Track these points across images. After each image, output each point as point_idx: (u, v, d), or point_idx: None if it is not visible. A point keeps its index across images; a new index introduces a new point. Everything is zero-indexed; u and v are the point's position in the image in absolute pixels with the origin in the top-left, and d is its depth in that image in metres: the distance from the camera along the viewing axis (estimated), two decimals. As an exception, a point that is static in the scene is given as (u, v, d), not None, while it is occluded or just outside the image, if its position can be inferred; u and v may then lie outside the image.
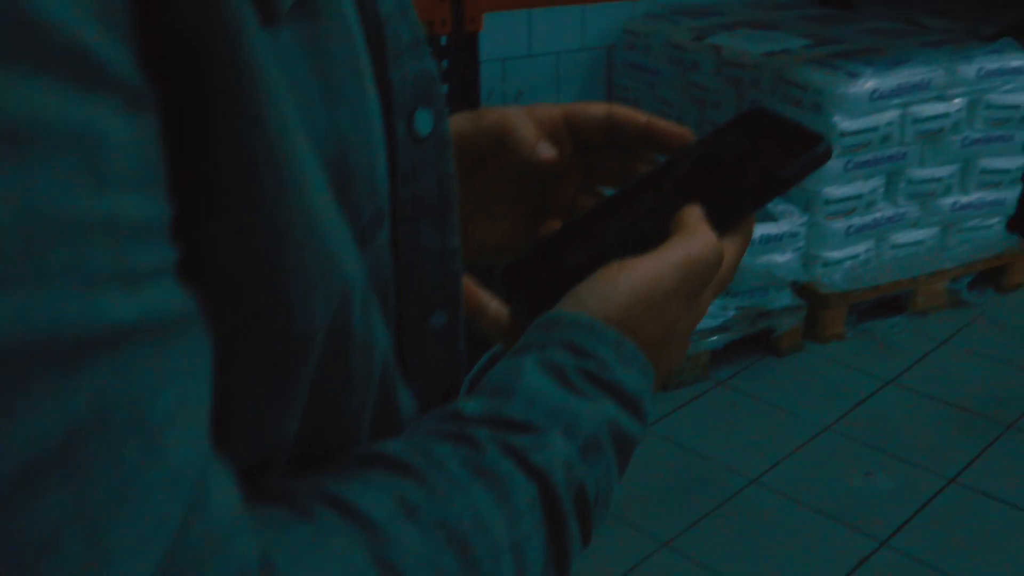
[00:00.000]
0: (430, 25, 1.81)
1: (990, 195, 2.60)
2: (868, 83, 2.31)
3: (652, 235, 0.44)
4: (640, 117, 0.51)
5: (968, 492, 1.95)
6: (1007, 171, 2.59)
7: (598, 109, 0.51)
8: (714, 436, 2.12)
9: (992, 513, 1.89)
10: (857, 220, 2.44)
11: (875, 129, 2.35)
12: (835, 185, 2.38)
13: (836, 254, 2.45)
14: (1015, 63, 2.47)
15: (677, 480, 1.98)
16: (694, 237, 0.42)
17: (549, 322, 0.40)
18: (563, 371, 0.38)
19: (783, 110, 2.40)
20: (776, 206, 2.30)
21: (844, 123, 2.32)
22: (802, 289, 2.43)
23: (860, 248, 2.48)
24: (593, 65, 3.10)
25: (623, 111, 0.51)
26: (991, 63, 2.45)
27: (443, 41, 1.83)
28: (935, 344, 2.47)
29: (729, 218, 0.45)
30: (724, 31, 2.72)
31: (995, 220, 2.65)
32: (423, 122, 0.38)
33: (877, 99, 2.33)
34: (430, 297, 0.41)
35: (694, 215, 0.44)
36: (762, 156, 0.48)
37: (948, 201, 2.56)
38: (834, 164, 2.35)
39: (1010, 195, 2.63)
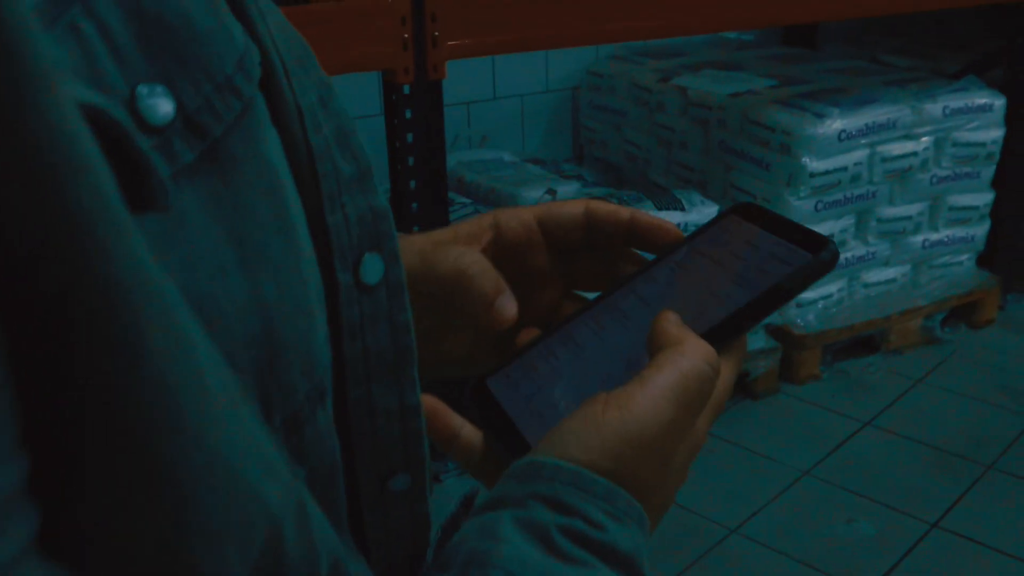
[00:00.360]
0: (393, 74, 1.77)
1: (960, 232, 2.59)
2: (836, 123, 2.30)
3: (639, 349, 0.40)
4: (622, 213, 0.46)
5: (951, 537, 1.91)
6: (975, 207, 2.59)
7: (574, 208, 0.46)
8: (693, 485, 2.06)
9: (976, 558, 1.85)
10: (829, 260, 2.42)
11: (844, 169, 2.34)
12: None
13: (809, 294, 2.43)
14: (980, 101, 2.48)
15: (657, 532, 1.92)
16: (683, 353, 0.37)
17: (528, 470, 0.35)
18: (547, 533, 0.32)
19: (751, 150, 2.39)
20: (747, 248, 2.27)
21: (813, 163, 2.30)
22: (776, 331, 2.40)
23: (833, 288, 2.46)
24: (558, 107, 3.09)
25: (603, 208, 0.46)
26: (956, 101, 2.45)
27: (406, 90, 1.80)
28: (911, 383, 2.44)
29: (724, 333, 0.40)
30: (689, 72, 2.71)
31: (965, 256, 2.64)
32: (372, 268, 0.33)
33: (845, 139, 2.32)
34: (389, 460, 0.35)
35: (675, 325, 0.38)
36: (758, 259, 0.43)
37: (918, 239, 2.55)
38: (804, 204, 2.33)
39: (979, 231, 2.62)
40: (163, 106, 0.24)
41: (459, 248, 0.46)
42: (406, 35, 1.75)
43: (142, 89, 0.23)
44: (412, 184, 1.87)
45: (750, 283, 0.42)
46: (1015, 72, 2.55)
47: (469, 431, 0.42)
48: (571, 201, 0.47)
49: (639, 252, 0.47)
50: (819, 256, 0.41)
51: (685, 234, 0.46)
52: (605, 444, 0.35)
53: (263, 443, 0.25)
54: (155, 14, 0.24)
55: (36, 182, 0.19)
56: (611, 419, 0.35)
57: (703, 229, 0.46)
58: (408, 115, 1.82)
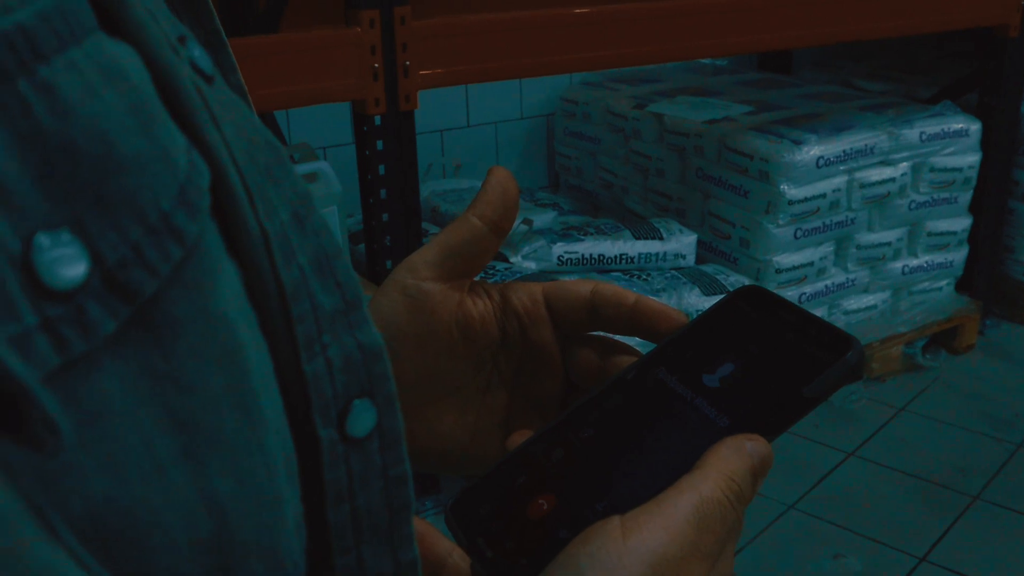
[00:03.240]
0: (364, 105, 1.73)
1: (939, 257, 2.57)
2: (813, 150, 2.28)
3: (641, 462, 0.35)
4: (627, 297, 0.42)
5: (940, 572, 1.87)
6: (954, 233, 2.57)
7: (583, 287, 0.43)
8: (675, 521, 2.02)
9: (966, 593, 1.81)
10: (809, 288, 2.39)
11: (823, 196, 2.32)
12: (785, 253, 2.33)
13: (789, 323, 2.39)
14: (956, 126, 2.47)
15: (639, 572, 1.88)
16: (707, 475, 0.34)
17: None
18: None
19: (729, 178, 2.36)
20: (727, 277, 2.24)
21: (791, 191, 2.27)
22: (757, 360, 2.36)
23: (813, 316, 2.43)
24: (533, 134, 3.06)
25: (609, 289, 0.43)
26: (932, 127, 2.44)
27: (377, 121, 1.75)
28: (894, 411, 2.41)
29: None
30: (664, 98, 2.68)
31: (944, 282, 2.62)
32: (361, 418, 0.26)
33: (823, 166, 2.29)
34: None
35: (712, 453, 0.35)
36: (773, 358, 0.38)
37: (898, 265, 2.52)
38: (783, 232, 2.30)
39: (958, 256, 2.61)
40: (71, 263, 0.18)
41: (528, 283, 0.43)
42: (376, 65, 1.71)
43: (42, 240, 0.18)
44: (385, 217, 1.82)
45: (766, 387, 0.37)
46: (989, 97, 2.54)
47: (457, 559, 0.37)
48: (580, 281, 0.44)
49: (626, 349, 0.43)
50: (845, 359, 0.36)
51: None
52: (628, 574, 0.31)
53: None
54: (58, 137, 0.18)
55: None
56: (632, 547, 0.31)
57: (706, 316, 0.41)
58: (380, 147, 1.77)
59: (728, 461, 0.34)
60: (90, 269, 0.18)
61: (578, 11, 1.92)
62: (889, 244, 2.48)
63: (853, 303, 2.50)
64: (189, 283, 0.21)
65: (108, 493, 0.19)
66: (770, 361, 0.38)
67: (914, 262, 2.54)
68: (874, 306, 2.53)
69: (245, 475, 0.22)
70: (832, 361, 0.36)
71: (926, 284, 2.59)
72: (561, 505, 0.36)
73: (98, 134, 0.19)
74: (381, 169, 1.79)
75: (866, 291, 2.52)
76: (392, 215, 1.83)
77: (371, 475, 0.27)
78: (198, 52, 0.24)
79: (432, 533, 0.37)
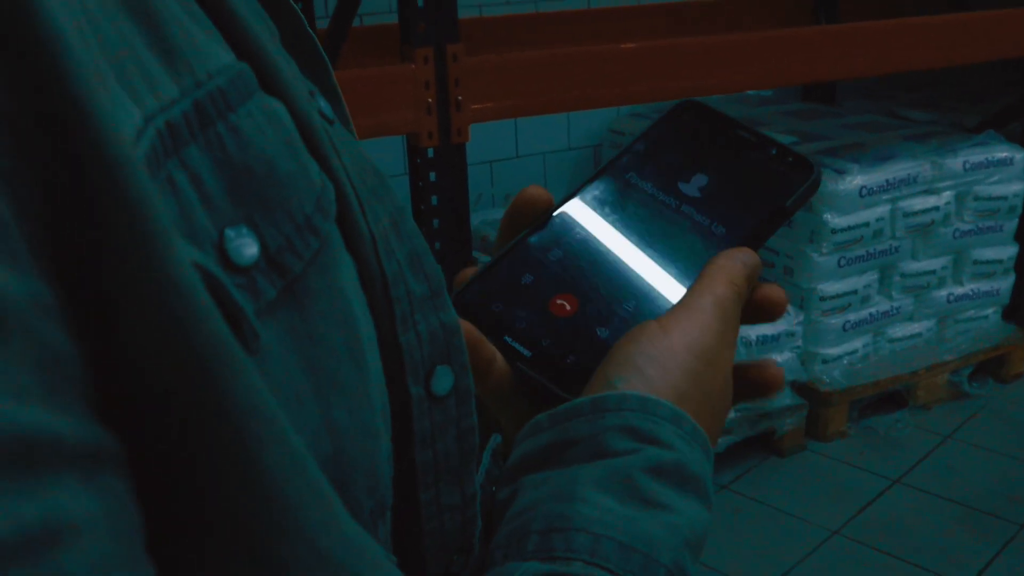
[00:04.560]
0: (417, 138, 1.80)
1: (984, 286, 2.58)
2: (856, 179, 2.31)
3: (648, 264, 0.40)
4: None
5: (986, 598, 1.88)
6: (999, 261, 2.58)
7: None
8: (719, 545, 2.05)
9: (1012, 620, 1.82)
10: (852, 316, 2.42)
11: (866, 225, 2.35)
12: (829, 282, 2.36)
13: (834, 351, 2.42)
14: (1000, 155, 2.49)
15: (684, 594, 1.91)
16: (715, 279, 0.40)
17: (594, 406, 0.36)
18: (626, 477, 0.34)
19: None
20: (771, 305, 2.27)
21: (835, 220, 2.31)
22: (802, 388, 2.39)
23: (858, 344, 2.45)
24: (580, 164, 3.12)
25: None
26: (976, 156, 2.46)
27: (430, 153, 1.82)
28: (940, 439, 2.42)
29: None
30: (709, 129, 2.72)
31: (991, 310, 2.63)
32: (442, 380, 0.34)
33: (866, 195, 2.33)
34: (449, 547, 0.37)
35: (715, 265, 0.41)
36: (743, 172, 0.43)
37: (943, 293, 2.54)
38: (827, 260, 2.33)
39: (1004, 284, 2.61)
40: (248, 247, 0.25)
41: None
42: (430, 100, 1.78)
43: (229, 232, 0.25)
44: (437, 245, 1.89)
45: (746, 203, 0.42)
46: (1035, 126, 2.56)
47: (501, 362, 0.42)
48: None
49: None
50: (814, 176, 0.42)
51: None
52: (667, 376, 0.37)
53: (366, 541, 0.27)
54: (241, 162, 0.25)
55: (166, 331, 0.21)
56: (675, 342, 0.37)
57: (652, 136, 0.45)
58: (432, 178, 1.84)
59: (728, 268, 0.40)
60: (260, 253, 0.25)
61: (625, 46, 1.98)
62: (934, 272, 2.50)
63: (898, 331, 2.52)
64: (321, 266, 0.28)
65: None
66: (741, 174, 0.43)
67: (959, 290, 2.56)
68: (919, 334, 2.55)
69: (355, 411, 0.29)
70: (803, 178, 0.42)
71: (972, 312, 2.60)
72: (586, 305, 0.40)
73: (265, 160, 0.26)
74: (433, 200, 1.86)
75: (911, 319, 2.53)
76: (443, 244, 1.89)
77: (448, 425, 0.34)
78: (323, 103, 0.33)
79: (480, 338, 0.41)
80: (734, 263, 0.41)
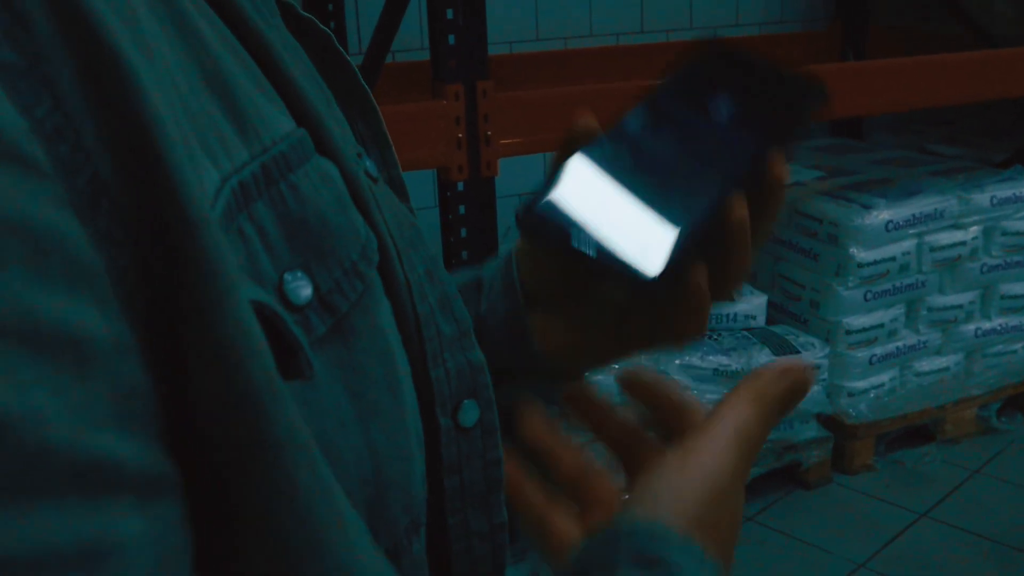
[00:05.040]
0: (447, 172, 1.85)
1: (1013, 320, 2.58)
2: (882, 214, 2.33)
3: (699, 179, 0.44)
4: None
5: (1013, 634, 1.87)
6: (1028, 296, 2.58)
7: None
8: (745, 577, 2.06)
9: (1040, 657, 1.81)
10: (879, 349, 2.42)
11: (892, 259, 2.36)
12: (855, 315, 2.37)
13: (860, 384, 2.42)
14: (1028, 190, 2.49)
15: (709, 625, 1.91)
16: (741, 399, 0.41)
17: (608, 536, 0.38)
18: None
19: (799, 241, 2.41)
20: (797, 338, 2.29)
21: (861, 254, 2.32)
22: (828, 420, 2.39)
23: (884, 377, 2.46)
24: (608, 198, 3.14)
25: None
26: (1003, 191, 2.47)
27: (460, 187, 1.87)
28: (968, 474, 2.41)
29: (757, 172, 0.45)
30: (736, 164, 2.75)
31: (1019, 345, 2.62)
32: (469, 413, 0.38)
33: (892, 229, 2.34)
34: (479, 572, 0.40)
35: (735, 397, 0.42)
36: (767, 99, 0.48)
37: (970, 328, 2.54)
38: (853, 294, 2.35)
39: (1033, 319, 2.61)
40: (304, 289, 0.29)
41: None
42: (460, 135, 1.83)
43: (288, 276, 0.28)
44: (465, 277, 1.93)
45: (772, 123, 0.46)
46: (1063, 161, 2.56)
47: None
48: None
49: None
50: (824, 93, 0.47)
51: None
52: (686, 509, 0.38)
53: (384, 566, 0.30)
54: (298, 216, 0.29)
55: (222, 366, 0.24)
56: (690, 475, 0.39)
57: (680, 69, 0.49)
58: (462, 211, 1.89)
59: (758, 387, 0.41)
60: (313, 294, 0.29)
61: (652, 83, 2.01)
62: (961, 307, 2.51)
63: (925, 365, 2.52)
64: (364, 307, 0.32)
65: (316, 432, 0.29)
66: (763, 95, 0.48)
67: (987, 325, 2.56)
68: (947, 368, 2.55)
69: (392, 435, 0.32)
70: (815, 92, 0.48)
71: (1000, 347, 2.59)
72: (642, 203, 0.43)
73: (319, 215, 0.30)
74: (463, 232, 1.90)
75: (938, 353, 2.53)
76: (472, 275, 1.93)
77: (474, 455, 0.38)
78: (368, 163, 0.37)
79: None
80: (765, 382, 0.41)
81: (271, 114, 0.30)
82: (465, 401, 0.37)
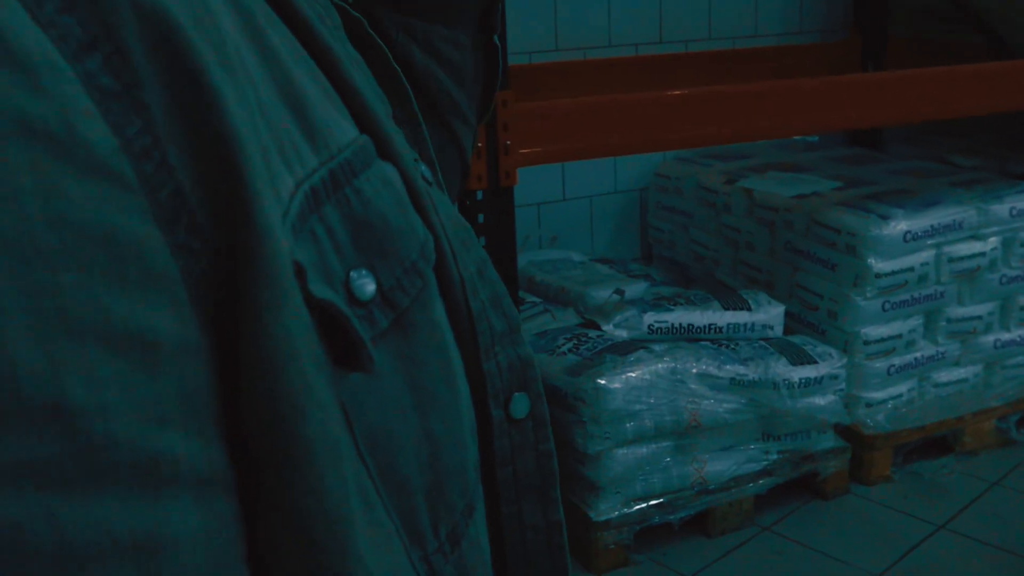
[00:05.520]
0: (466, 181, 1.86)
1: (1032, 332, 2.57)
2: (901, 224, 2.33)
3: None
4: None
5: (1032, 646, 1.86)
6: (1048, 307, 2.57)
7: None
8: (762, 587, 2.06)
9: (1059, 669, 1.80)
10: (897, 360, 2.42)
11: (911, 269, 2.36)
12: (873, 326, 2.37)
13: (878, 395, 2.42)
14: (1047, 201, 2.49)
15: (725, 635, 1.92)
16: None
17: None
18: None
19: (817, 251, 2.42)
20: (814, 348, 2.29)
21: (879, 264, 2.33)
22: (846, 431, 2.39)
23: (903, 388, 2.45)
24: (626, 207, 3.16)
25: None
26: (1022, 202, 2.47)
27: (479, 196, 1.88)
28: (986, 486, 2.40)
29: None
30: (754, 173, 2.77)
31: (1039, 357, 2.62)
32: (520, 406, 0.40)
33: (911, 240, 2.34)
34: (537, 571, 0.42)
35: None
36: None
37: (989, 339, 2.53)
38: (871, 305, 2.35)
39: (1053, 331, 2.60)
40: (368, 286, 0.30)
41: None
42: (479, 144, 1.84)
43: (354, 274, 0.30)
44: (484, 285, 1.94)
45: None
46: (1084, 173, 2.56)
47: None
48: None
49: None
50: None
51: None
52: None
53: (407, 567, 0.31)
54: (363, 217, 0.31)
55: (264, 368, 0.25)
56: None
57: None
58: (481, 219, 1.90)
59: None
60: (376, 290, 0.31)
61: (670, 93, 2.03)
62: (980, 318, 2.50)
63: (944, 376, 2.51)
64: (422, 303, 0.34)
65: (378, 422, 0.31)
66: None
67: (1006, 336, 2.55)
68: (965, 379, 2.54)
69: (448, 424, 0.34)
70: None
71: (1019, 358, 2.58)
72: None
73: (381, 216, 0.32)
74: (482, 240, 1.92)
75: (957, 364, 2.53)
76: (491, 283, 1.94)
77: (526, 447, 0.40)
78: (424, 168, 0.40)
79: None
80: None
81: (337, 122, 0.32)
82: (516, 394, 0.40)
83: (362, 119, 0.35)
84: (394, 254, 0.32)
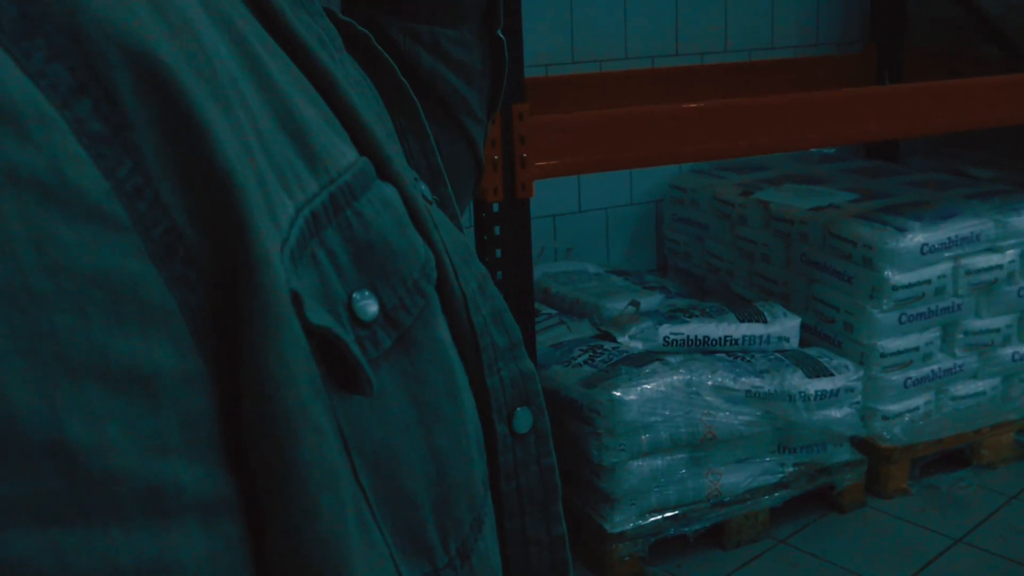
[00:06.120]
0: (483, 193, 1.87)
1: (1050, 345, 2.56)
2: (917, 237, 2.33)
3: None
4: None
5: (1050, 662, 1.85)
6: (1066, 320, 2.56)
7: None
8: (777, 600, 2.05)
9: None
10: (914, 373, 2.41)
11: (928, 282, 2.35)
12: (890, 338, 2.36)
13: (895, 407, 2.41)
14: (1066, 213, 2.48)
15: (741, 648, 1.91)
16: None
17: None
18: None
19: (833, 263, 2.41)
20: (831, 361, 2.29)
21: (895, 276, 2.32)
22: (862, 444, 2.38)
23: (919, 401, 2.44)
24: (642, 219, 3.16)
25: None
26: (1041, 214, 2.46)
27: (495, 208, 1.89)
28: (1004, 499, 2.39)
29: None
30: (770, 185, 2.77)
31: (1058, 370, 2.60)
32: (523, 420, 0.40)
33: (928, 252, 2.34)
34: None
35: None
36: None
37: (1007, 352, 2.52)
38: (888, 317, 2.34)
39: (1071, 344, 2.58)
40: (371, 307, 0.31)
41: None
42: (496, 157, 1.85)
43: (356, 295, 0.31)
44: (500, 297, 1.95)
45: None
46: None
47: None
48: None
49: None
50: None
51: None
52: None
53: None
54: (364, 240, 0.31)
55: (260, 393, 0.26)
56: None
57: None
58: (497, 231, 1.91)
59: None
60: (379, 311, 0.31)
61: (686, 106, 2.04)
62: (998, 330, 2.49)
63: (961, 389, 2.50)
64: (425, 321, 0.34)
65: (382, 439, 0.31)
66: None
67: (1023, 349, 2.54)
68: (983, 392, 2.53)
69: (453, 439, 0.34)
70: None
71: (1038, 371, 2.57)
72: None
73: (382, 237, 0.33)
74: (498, 252, 1.93)
75: (975, 377, 2.52)
76: (506, 296, 1.94)
77: (529, 461, 0.41)
78: (423, 187, 0.40)
79: None
80: None
81: (336, 146, 0.33)
82: (519, 409, 0.40)
83: (361, 141, 0.36)
84: (396, 274, 0.33)
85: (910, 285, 2.34)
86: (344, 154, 0.33)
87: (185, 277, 0.25)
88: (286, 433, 0.26)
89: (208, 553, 0.24)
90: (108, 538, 0.22)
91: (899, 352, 2.38)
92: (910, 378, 2.41)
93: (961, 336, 2.47)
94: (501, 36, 0.61)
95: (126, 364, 0.23)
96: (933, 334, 2.43)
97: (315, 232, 0.30)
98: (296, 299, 0.27)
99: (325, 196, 0.31)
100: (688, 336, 2.28)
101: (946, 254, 2.37)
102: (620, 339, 2.28)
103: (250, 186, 0.26)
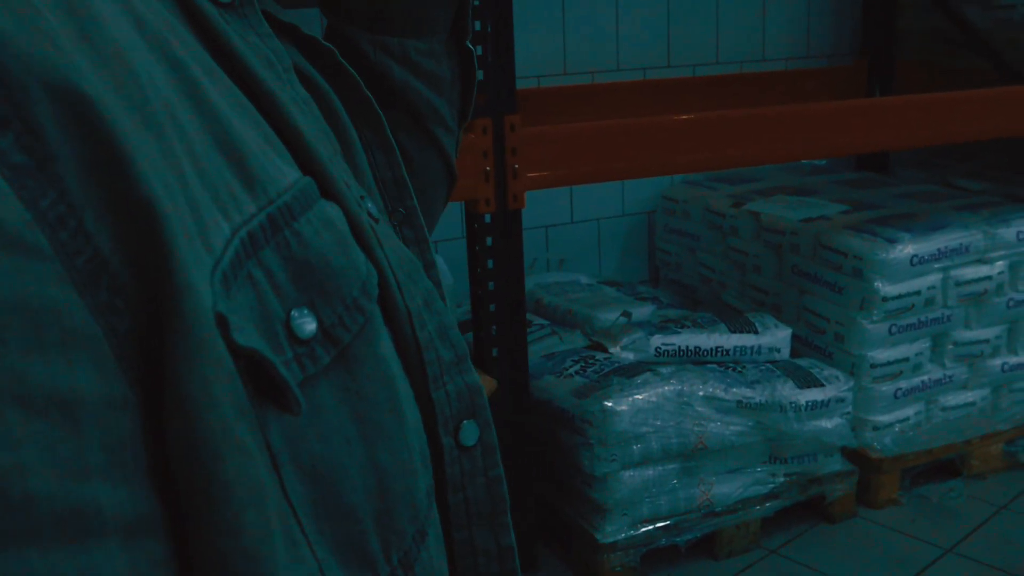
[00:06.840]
0: (475, 204, 1.88)
1: (1040, 355, 2.57)
2: (907, 248, 2.34)
3: None
4: None
5: (1040, 672, 1.85)
6: (1055, 331, 2.57)
7: None
8: (769, 610, 2.05)
9: None
10: (904, 383, 2.42)
11: (917, 293, 2.37)
12: (880, 349, 2.37)
13: (885, 418, 2.42)
14: (1054, 225, 2.49)
15: (732, 658, 1.92)
16: None
17: None
18: None
19: (824, 274, 2.43)
20: (821, 371, 2.29)
21: (885, 288, 2.33)
22: (853, 454, 2.39)
23: (910, 411, 2.45)
24: (634, 230, 3.18)
25: None
26: (1030, 226, 2.47)
27: (488, 219, 1.90)
28: (994, 509, 2.40)
29: None
30: (761, 197, 2.78)
31: (1047, 380, 2.61)
32: (469, 432, 0.41)
33: (917, 263, 2.35)
34: None
35: None
36: None
37: (997, 362, 2.53)
38: (878, 328, 2.35)
39: (1060, 355, 2.60)
40: (309, 324, 0.31)
41: None
42: (488, 168, 1.86)
43: (295, 313, 0.31)
44: (492, 307, 1.95)
45: None
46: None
47: None
48: None
49: None
50: None
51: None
52: None
53: None
54: (302, 258, 0.32)
55: (185, 414, 0.26)
56: None
57: None
58: (489, 242, 1.92)
59: None
60: (318, 328, 0.32)
61: (677, 118, 2.05)
62: (987, 341, 2.50)
63: (951, 399, 2.51)
64: (366, 338, 0.35)
65: (322, 453, 0.31)
66: None
67: (1014, 360, 2.55)
68: (973, 403, 2.54)
69: (396, 453, 0.35)
70: None
71: (1027, 382, 2.59)
72: None
73: (322, 257, 0.33)
74: (490, 263, 1.93)
75: (964, 388, 2.53)
76: (499, 306, 1.96)
77: (476, 473, 0.41)
78: (370, 205, 0.41)
79: None
80: None
81: (277, 167, 0.34)
82: (465, 422, 0.41)
83: (305, 161, 0.36)
84: (335, 292, 0.33)
85: (900, 296, 2.35)
86: (285, 175, 0.34)
87: (111, 303, 0.25)
88: (208, 453, 0.26)
89: (131, 573, 0.25)
90: (26, 561, 0.22)
91: (889, 363, 2.39)
92: (900, 389, 2.42)
93: (951, 347, 2.48)
94: (470, 46, 0.62)
95: (46, 389, 0.23)
96: (923, 345, 2.44)
97: (252, 252, 0.30)
98: (222, 321, 0.27)
99: (263, 217, 0.31)
100: (680, 347, 2.29)
101: (936, 265, 2.38)
102: (612, 350, 2.29)
103: (174, 213, 0.27)
